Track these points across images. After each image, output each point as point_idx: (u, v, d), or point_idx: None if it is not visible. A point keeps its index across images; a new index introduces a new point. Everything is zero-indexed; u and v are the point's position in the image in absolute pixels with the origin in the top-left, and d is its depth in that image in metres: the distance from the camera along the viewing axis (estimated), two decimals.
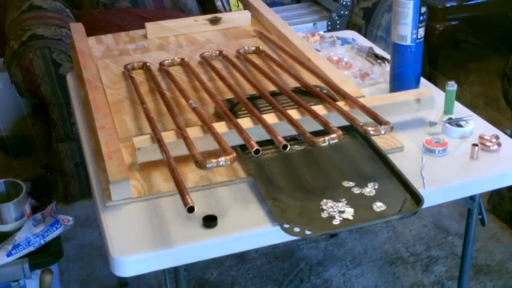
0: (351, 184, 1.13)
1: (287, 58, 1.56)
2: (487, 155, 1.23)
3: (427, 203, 1.09)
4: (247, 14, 1.83)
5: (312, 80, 1.39)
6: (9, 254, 1.48)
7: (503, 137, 1.28)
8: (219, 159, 1.03)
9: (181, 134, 1.14)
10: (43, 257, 1.53)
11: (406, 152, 1.25)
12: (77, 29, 1.72)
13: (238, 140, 1.16)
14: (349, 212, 1.06)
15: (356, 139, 1.26)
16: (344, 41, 1.77)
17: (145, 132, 1.26)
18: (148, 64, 1.54)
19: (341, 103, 1.26)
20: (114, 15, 2.58)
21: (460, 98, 1.40)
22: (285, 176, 1.16)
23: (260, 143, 1.09)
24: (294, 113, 1.22)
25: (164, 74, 1.50)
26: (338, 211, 1.06)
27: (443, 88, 1.40)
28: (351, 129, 1.26)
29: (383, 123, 1.15)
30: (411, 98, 1.30)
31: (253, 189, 1.14)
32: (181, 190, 0.99)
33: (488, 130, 1.31)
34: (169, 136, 1.16)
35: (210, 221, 1.04)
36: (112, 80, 1.50)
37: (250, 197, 1.12)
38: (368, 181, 1.14)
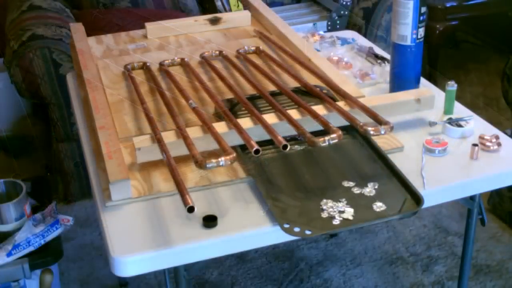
0: (351, 184, 1.13)
1: (287, 58, 1.56)
2: (487, 155, 1.23)
3: (427, 203, 1.09)
4: (247, 14, 1.83)
5: (312, 80, 1.39)
6: (9, 254, 1.48)
7: (503, 137, 1.28)
8: (219, 159, 1.03)
9: (181, 134, 1.14)
10: (43, 257, 1.53)
11: (406, 152, 1.25)
12: (77, 29, 1.72)
13: (238, 140, 1.16)
14: (349, 212, 1.06)
15: (356, 139, 1.26)
16: (344, 41, 1.77)
17: (145, 132, 1.26)
18: (148, 64, 1.54)
19: (341, 103, 1.26)
20: (114, 15, 2.58)
21: (460, 98, 1.40)
22: (285, 176, 1.16)
23: (260, 143, 1.09)
24: (294, 113, 1.22)
25: (164, 74, 1.50)
26: (338, 211, 1.06)
27: (443, 88, 1.40)
28: (351, 129, 1.26)
29: (383, 123, 1.15)
30: (411, 98, 1.30)
31: (253, 189, 1.14)
32: (181, 190, 0.99)
33: (488, 130, 1.31)
34: (169, 136, 1.16)
35: (210, 221, 1.04)
36: (112, 80, 1.50)
37: (250, 197, 1.12)
38: (368, 181, 1.14)
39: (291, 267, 2.02)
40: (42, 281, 1.59)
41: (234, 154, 1.05)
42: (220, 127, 1.18)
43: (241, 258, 2.05)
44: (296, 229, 1.02)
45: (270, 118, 1.21)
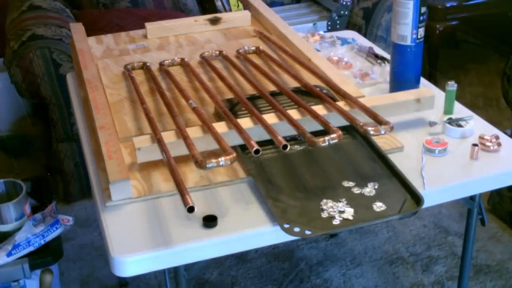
0: (351, 184, 1.13)
1: (287, 58, 1.56)
2: (487, 155, 1.23)
3: (427, 203, 1.09)
4: (247, 14, 1.83)
5: (312, 80, 1.39)
6: (9, 254, 1.48)
7: (503, 137, 1.28)
8: (219, 159, 1.03)
9: (181, 134, 1.14)
10: (43, 257, 1.53)
11: (406, 152, 1.25)
12: (77, 29, 1.72)
13: (238, 140, 1.16)
14: (349, 212, 1.06)
15: (356, 139, 1.26)
16: (344, 41, 1.77)
17: (145, 132, 1.26)
18: (148, 64, 1.54)
19: (341, 103, 1.26)
20: (114, 15, 2.58)
21: (460, 98, 1.40)
22: (285, 176, 1.16)
23: (260, 143, 1.09)
24: (294, 113, 1.22)
25: (164, 74, 1.50)
26: (338, 211, 1.06)
27: (443, 88, 1.40)
28: (351, 129, 1.26)
29: (383, 123, 1.15)
30: (411, 98, 1.30)
31: (253, 189, 1.14)
32: (181, 190, 0.99)
33: (488, 130, 1.31)
34: (169, 136, 1.16)
35: (210, 221, 1.04)
36: (112, 80, 1.50)
37: (250, 197, 1.12)
38: (368, 181, 1.14)
39: (291, 267, 2.02)
40: (42, 281, 1.59)
41: (234, 154, 1.05)
42: (220, 127, 1.18)
43: (241, 258, 2.05)
44: (296, 229, 1.02)
45: (270, 118, 1.21)
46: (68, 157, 2.27)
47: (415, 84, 1.44)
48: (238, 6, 2.81)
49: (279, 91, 1.34)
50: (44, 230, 1.53)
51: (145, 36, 1.75)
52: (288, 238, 1.03)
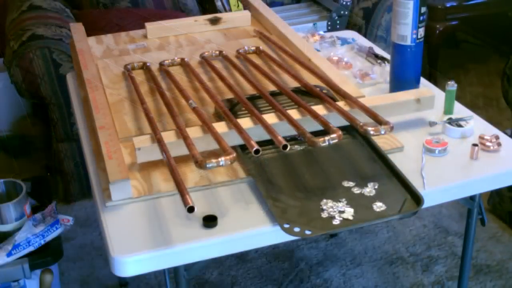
0: (351, 184, 1.13)
1: (287, 58, 1.56)
2: (487, 155, 1.23)
3: (427, 203, 1.09)
4: (247, 14, 1.83)
5: (312, 80, 1.39)
6: (9, 254, 1.48)
7: (503, 137, 1.28)
8: (219, 159, 1.03)
9: (181, 134, 1.14)
10: (43, 257, 1.53)
11: (406, 152, 1.25)
12: (77, 29, 1.72)
13: (238, 140, 1.16)
14: (349, 212, 1.06)
15: (356, 139, 1.26)
16: (344, 41, 1.77)
17: (145, 132, 1.26)
18: (148, 64, 1.54)
19: (341, 103, 1.26)
20: (114, 15, 2.58)
21: (460, 98, 1.40)
22: (285, 176, 1.16)
23: (260, 143, 1.09)
24: (294, 113, 1.22)
25: (164, 74, 1.50)
26: (338, 211, 1.06)
27: (443, 88, 1.40)
28: (351, 129, 1.26)
29: (383, 123, 1.15)
30: (411, 98, 1.30)
31: (253, 189, 1.14)
32: (181, 190, 0.99)
33: (488, 130, 1.31)
34: (169, 136, 1.16)
35: (210, 221, 1.04)
36: (112, 80, 1.50)
37: (250, 197, 1.12)
38: (368, 181, 1.14)
39: (291, 267, 2.02)
40: (42, 281, 1.59)
41: (234, 154, 1.05)
42: (220, 127, 1.18)
43: (241, 258, 2.05)
44: (296, 229, 1.02)
45: (270, 118, 1.21)
46: (68, 157, 2.27)
47: (415, 84, 1.44)
48: (238, 6, 2.81)
49: (279, 91, 1.34)
50: (44, 230, 1.53)
51: (145, 36, 1.75)
52: (288, 238, 1.03)
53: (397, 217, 1.09)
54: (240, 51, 1.60)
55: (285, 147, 1.06)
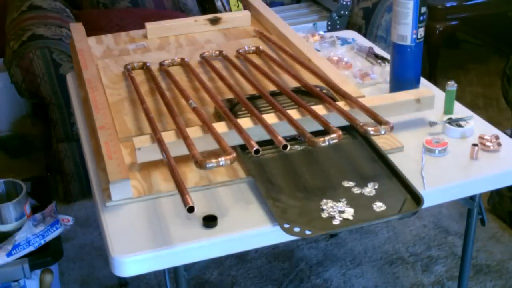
0: (351, 184, 1.13)
1: (287, 58, 1.56)
2: (487, 155, 1.23)
3: (427, 203, 1.09)
4: (247, 14, 1.83)
5: (312, 80, 1.39)
6: (9, 254, 1.48)
7: (503, 137, 1.28)
8: (219, 159, 1.03)
9: (181, 134, 1.14)
10: (43, 257, 1.53)
11: (406, 152, 1.25)
12: (77, 29, 1.72)
13: (238, 140, 1.16)
14: (349, 212, 1.06)
15: (356, 139, 1.26)
16: (344, 41, 1.77)
17: (145, 132, 1.26)
18: (148, 64, 1.54)
19: (341, 103, 1.26)
20: (114, 15, 2.58)
21: (460, 98, 1.40)
22: (285, 176, 1.16)
23: (260, 143, 1.09)
24: (294, 113, 1.22)
25: (164, 74, 1.50)
26: (338, 211, 1.06)
27: (443, 88, 1.40)
28: (351, 129, 1.26)
29: (383, 123, 1.15)
30: (411, 98, 1.30)
31: (253, 189, 1.14)
32: (181, 190, 0.99)
33: (488, 130, 1.31)
34: (169, 136, 1.16)
35: (210, 221, 1.04)
36: (112, 80, 1.50)
37: (250, 197, 1.12)
38: (368, 181, 1.14)
39: (291, 267, 2.02)
40: (42, 281, 1.59)
41: (234, 154, 1.05)
42: (220, 127, 1.18)
43: (241, 258, 2.05)
44: (296, 229, 1.02)
45: (270, 118, 1.21)
46: (68, 157, 2.27)
47: (415, 84, 1.44)
48: (238, 6, 2.81)
49: (279, 91, 1.34)
50: (44, 230, 1.53)
51: (145, 36, 1.75)
52: (288, 238, 1.03)
53: (397, 217, 1.09)
54: (240, 51, 1.60)
55: (285, 147, 1.06)
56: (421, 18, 1.37)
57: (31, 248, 1.51)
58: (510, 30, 3.22)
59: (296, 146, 1.24)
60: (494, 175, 1.20)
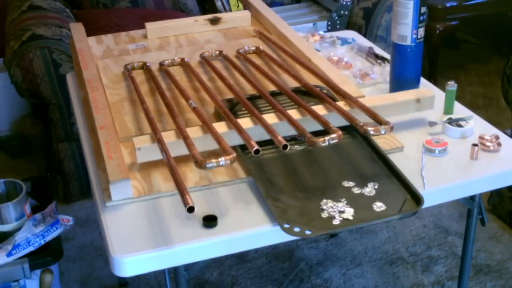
0: (351, 184, 1.13)
1: (287, 58, 1.56)
2: (487, 155, 1.23)
3: (427, 203, 1.09)
4: (247, 14, 1.83)
5: (312, 80, 1.39)
6: (9, 254, 1.48)
7: (503, 137, 1.28)
8: (219, 159, 1.03)
9: (181, 134, 1.14)
10: (43, 257, 1.53)
11: (406, 152, 1.25)
12: (77, 29, 1.72)
13: (238, 140, 1.16)
14: (349, 212, 1.06)
15: (356, 139, 1.26)
16: (344, 41, 1.77)
17: (145, 132, 1.26)
18: (148, 64, 1.54)
19: (341, 103, 1.26)
20: (114, 15, 2.58)
21: (460, 98, 1.41)
22: (285, 176, 1.16)
23: (260, 143, 1.09)
24: (294, 113, 1.22)
25: (164, 74, 1.50)
26: (338, 211, 1.06)
27: (443, 88, 1.40)
28: (351, 129, 1.26)
29: (383, 123, 1.15)
30: (411, 98, 1.30)
31: (253, 189, 1.14)
32: (181, 190, 0.99)
33: (488, 130, 1.31)
34: (169, 136, 1.16)
35: (210, 221, 1.04)
36: (112, 80, 1.50)
37: (250, 197, 1.12)
38: (368, 181, 1.14)
39: (291, 267, 2.02)
40: (42, 281, 1.59)
41: (234, 154, 1.05)
42: (220, 127, 1.18)
43: (241, 258, 2.05)
44: (296, 229, 1.02)
45: (270, 118, 1.21)
46: (68, 157, 2.27)
47: (415, 84, 1.44)
48: (238, 6, 2.81)
49: (279, 91, 1.34)
50: (44, 230, 1.53)
51: (145, 36, 1.75)
52: (288, 238, 1.03)
53: (397, 217, 1.09)
54: (240, 51, 1.60)
55: (285, 147, 1.06)
56: (421, 18, 1.37)
57: (31, 248, 1.51)
58: (510, 30, 3.22)
59: (296, 146, 1.24)
60: (494, 175, 1.20)
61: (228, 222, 1.06)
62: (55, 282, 1.65)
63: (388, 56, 1.60)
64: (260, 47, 1.62)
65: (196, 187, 1.14)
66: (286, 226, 1.02)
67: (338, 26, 2.73)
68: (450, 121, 1.31)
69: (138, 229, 1.05)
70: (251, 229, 1.05)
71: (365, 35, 2.48)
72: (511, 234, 2.14)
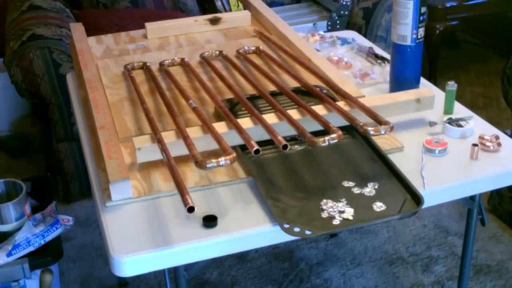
0: (351, 184, 1.13)
1: (287, 58, 1.56)
2: (487, 155, 1.23)
3: (427, 203, 1.09)
4: (247, 14, 1.83)
5: (312, 80, 1.39)
6: (9, 254, 1.48)
7: (503, 137, 1.28)
8: (219, 159, 1.03)
9: (181, 134, 1.14)
10: (43, 257, 1.53)
11: (406, 152, 1.25)
12: (77, 29, 1.72)
13: (238, 140, 1.16)
14: (349, 212, 1.06)
15: (356, 139, 1.26)
16: (344, 41, 1.77)
17: (145, 132, 1.26)
18: (148, 64, 1.54)
19: (341, 103, 1.26)
20: (114, 15, 2.58)
21: (460, 98, 1.41)
22: (285, 176, 1.16)
23: (260, 143, 1.09)
24: (294, 113, 1.22)
25: (164, 74, 1.50)
26: (338, 211, 1.06)
27: (443, 88, 1.40)
28: (351, 129, 1.26)
29: (383, 123, 1.15)
30: (411, 98, 1.30)
31: (253, 189, 1.14)
32: (181, 190, 0.99)
33: (488, 130, 1.31)
34: (169, 136, 1.16)
35: (210, 221, 1.04)
36: (112, 80, 1.50)
37: (250, 197, 1.12)
38: (368, 181, 1.14)
39: (291, 267, 2.02)
40: (42, 281, 1.59)
41: (234, 154, 1.05)
42: (220, 127, 1.18)
43: (241, 258, 2.05)
44: (296, 229, 1.02)
45: (270, 118, 1.21)
46: (68, 157, 2.27)
47: (415, 84, 1.44)
48: (238, 6, 2.81)
49: (279, 91, 1.34)
50: (44, 230, 1.53)
51: (145, 36, 1.75)
52: (288, 238, 1.03)
53: (397, 217, 1.09)
54: (240, 51, 1.60)
55: (285, 147, 1.06)
56: (421, 18, 1.37)
57: (31, 248, 1.51)
58: (510, 30, 3.22)
59: (296, 146, 1.24)
60: (494, 175, 1.20)
61: (228, 222, 1.06)
62: (55, 282, 1.65)
63: (388, 56, 1.60)
64: (260, 47, 1.62)
65: (196, 187, 1.14)
66: (286, 226, 1.02)
67: (338, 26, 2.73)
68: (450, 121, 1.31)
69: (138, 229, 1.05)
70: (251, 229, 1.05)
71: (365, 35, 2.48)
72: (511, 234, 2.14)
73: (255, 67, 1.48)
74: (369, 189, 1.12)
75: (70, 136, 2.25)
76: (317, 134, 1.11)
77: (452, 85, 1.35)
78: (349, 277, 1.97)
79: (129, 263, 1.00)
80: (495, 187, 1.27)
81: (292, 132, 1.17)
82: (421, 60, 1.43)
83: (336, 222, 1.04)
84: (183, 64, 1.55)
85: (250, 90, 1.40)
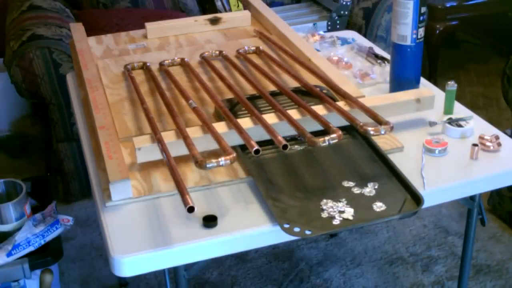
0: (351, 184, 1.13)
1: (287, 58, 1.56)
2: (487, 155, 1.23)
3: (427, 203, 1.09)
4: (247, 14, 1.83)
5: (312, 80, 1.39)
6: (9, 254, 1.48)
7: (503, 137, 1.28)
8: (219, 159, 1.03)
9: (181, 134, 1.14)
10: (43, 257, 1.53)
11: (406, 152, 1.25)
12: (77, 29, 1.72)
13: (238, 140, 1.16)
14: (349, 212, 1.06)
15: (356, 139, 1.26)
16: (344, 41, 1.77)
17: (145, 132, 1.26)
18: (148, 64, 1.54)
19: (341, 103, 1.26)
20: (114, 15, 2.58)
21: (460, 98, 1.41)
22: (285, 176, 1.16)
23: (260, 143, 1.09)
24: (294, 113, 1.22)
25: (164, 74, 1.50)
26: (338, 211, 1.06)
27: (443, 88, 1.40)
28: (351, 129, 1.26)
29: (383, 123, 1.15)
30: (411, 98, 1.30)
31: (253, 189, 1.14)
32: (181, 190, 0.99)
33: (488, 130, 1.31)
34: (169, 136, 1.16)
35: (210, 221, 1.04)
36: (112, 80, 1.50)
37: (250, 197, 1.12)
38: (368, 181, 1.14)
39: (291, 267, 2.02)
40: (42, 281, 1.59)
41: (234, 154, 1.05)
42: (220, 127, 1.18)
43: (241, 258, 2.05)
44: (296, 229, 1.02)
45: (270, 118, 1.21)
46: (68, 157, 2.27)
47: (415, 84, 1.44)
48: (238, 6, 2.81)
49: (279, 91, 1.34)
50: (44, 230, 1.53)
51: (145, 36, 1.75)
52: (288, 238, 1.03)
53: (397, 217, 1.09)
54: (240, 51, 1.60)
55: (285, 147, 1.06)
56: (421, 18, 1.37)
57: (31, 248, 1.51)
58: (510, 30, 3.23)
59: (296, 146, 1.24)
60: (494, 175, 1.20)
61: (228, 222, 1.06)
62: (55, 282, 1.65)
63: (388, 56, 1.60)
64: (260, 47, 1.62)
65: (196, 187, 1.14)
66: (286, 226, 1.02)
67: (338, 26, 2.73)
68: (450, 121, 1.31)
69: (138, 229, 1.05)
70: (251, 229, 1.05)
71: (365, 35, 2.48)
72: (511, 234, 2.14)
73: (255, 67, 1.48)
74: (369, 189, 1.12)
75: (70, 136, 2.25)
76: (317, 134, 1.11)
77: (452, 85, 1.35)
78: (349, 277, 1.97)
79: (129, 263, 1.00)
80: (495, 187, 1.27)
81: (292, 132, 1.17)
82: (421, 60, 1.43)
83: (336, 222, 1.04)
84: (183, 64, 1.55)
85: (250, 90, 1.40)
